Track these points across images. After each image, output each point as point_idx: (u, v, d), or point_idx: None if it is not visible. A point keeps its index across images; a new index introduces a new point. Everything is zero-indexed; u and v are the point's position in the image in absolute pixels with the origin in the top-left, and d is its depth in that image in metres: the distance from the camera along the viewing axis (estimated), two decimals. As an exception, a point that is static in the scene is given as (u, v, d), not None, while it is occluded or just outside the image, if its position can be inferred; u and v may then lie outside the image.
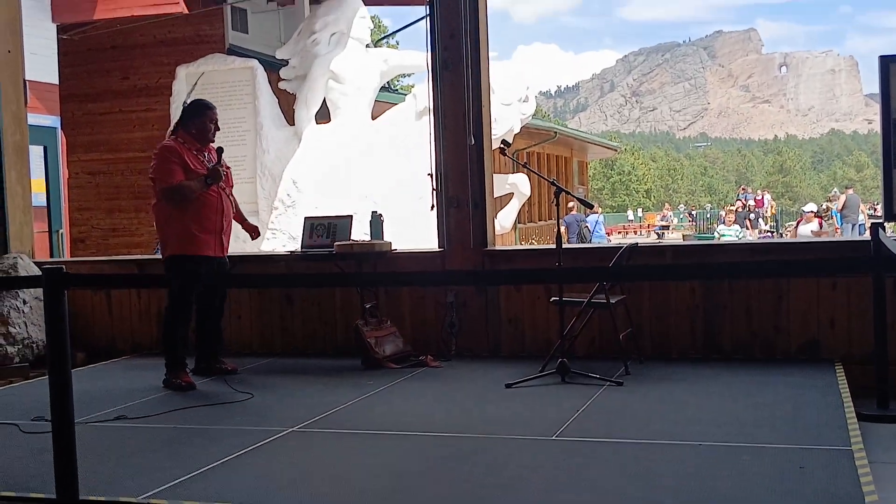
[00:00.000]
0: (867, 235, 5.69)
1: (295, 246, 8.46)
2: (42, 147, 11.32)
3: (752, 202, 30.44)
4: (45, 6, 11.83)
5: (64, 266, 3.56)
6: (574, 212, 19.87)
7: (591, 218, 20.35)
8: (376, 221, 7.13)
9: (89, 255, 13.30)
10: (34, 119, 9.65)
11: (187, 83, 11.90)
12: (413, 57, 12.34)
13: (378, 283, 6.64)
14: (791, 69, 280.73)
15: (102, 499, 3.64)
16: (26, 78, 8.06)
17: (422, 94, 10.85)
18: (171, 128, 6.28)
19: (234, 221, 6.39)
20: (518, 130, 12.72)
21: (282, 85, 12.21)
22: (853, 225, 21.45)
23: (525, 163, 7.06)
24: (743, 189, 38.75)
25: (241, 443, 4.42)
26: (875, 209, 29.09)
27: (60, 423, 3.40)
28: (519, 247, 14.18)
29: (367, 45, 12.56)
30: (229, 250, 6.24)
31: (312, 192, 11.39)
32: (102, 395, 5.70)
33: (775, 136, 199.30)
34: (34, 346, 7.17)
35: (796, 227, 20.59)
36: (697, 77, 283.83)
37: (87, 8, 12.13)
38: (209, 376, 6.14)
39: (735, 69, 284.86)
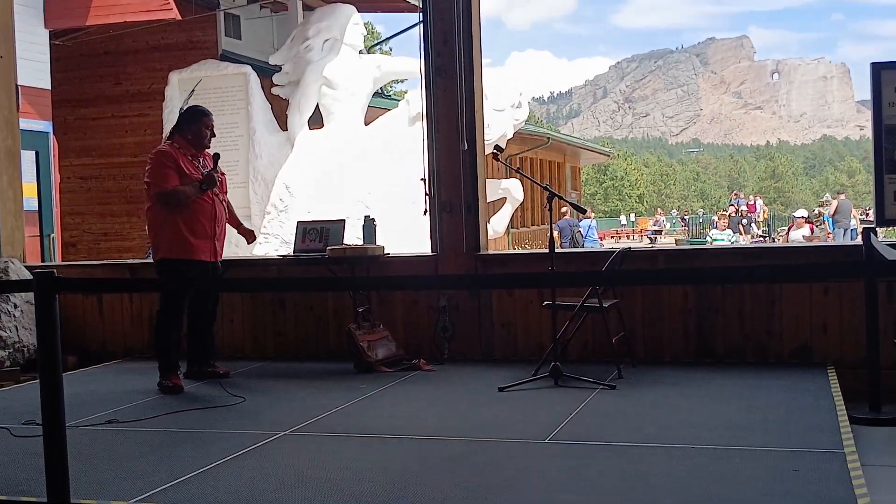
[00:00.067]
0: (859, 240, 5.71)
1: (287, 250, 8.46)
2: (34, 152, 11.30)
3: (744, 207, 30.55)
4: (38, 12, 11.81)
5: (55, 270, 3.55)
6: (567, 216, 19.88)
7: (584, 223, 20.36)
8: (369, 226, 7.13)
9: (80, 259, 13.27)
10: (26, 124, 9.63)
11: (180, 89, 11.91)
12: (406, 63, 12.38)
13: (371, 287, 6.64)
14: (783, 76, 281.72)
15: (93, 502, 3.63)
16: (18, 83, 8.05)
17: (415, 99, 10.87)
18: (168, 133, 6.28)
19: (230, 226, 6.42)
20: (511, 136, 12.77)
21: (275, 90, 12.22)
22: (845, 230, 21.53)
23: (518, 168, 7.07)
24: (735, 194, 38.89)
25: (234, 446, 4.41)
26: (867, 214, 29.20)
27: (52, 427, 3.39)
28: (512, 251, 14.20)
29: (361, 52, 12.59)
30: (223, 255, 6.25)
31: (305, 197, 11.39)
32: (94, 398, 5.68)
33: (767, 141, 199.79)
34: (25, 349, 7.15)
35: (787, 232, 20.66)
36: (690, 83, 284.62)
37: (80, 13, 12.12)
38: (201, 380, 6.13)
39: (727, 76, 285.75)
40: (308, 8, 14.96)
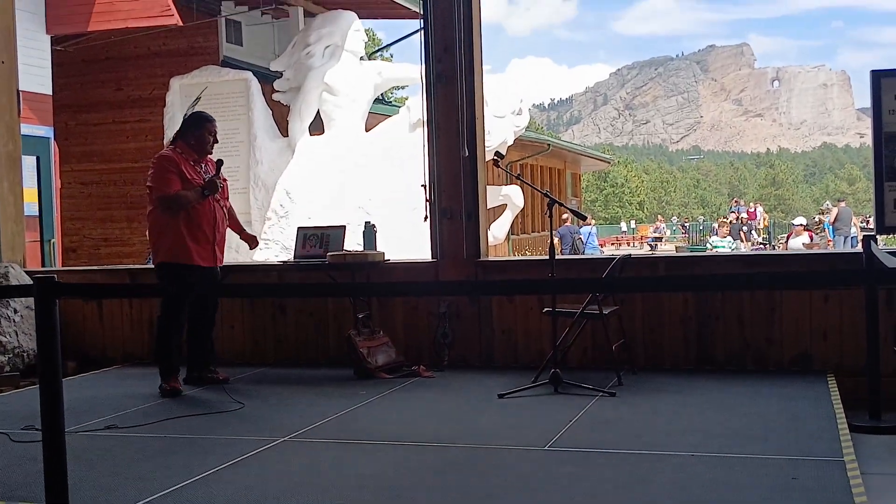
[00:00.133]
0: (859, 248, 5.71)
1: (288, 256, 8.46)
2: (35, 157, 11.32)
3: (744, 215, 30.57)
4: (40, 17, 11.84)
5: (55, 275, 3.55)
6: (568, 223, 19.89)
7: (584, 229, 20.37)
8: (369, 232, 7.13)
9: (81, 264, 13.28)
10: (27, 129, 9.65)
11: (181, 95, 11.93)
12: (407, 69, 12.39)
13: (371, 293, 6.64)
14: (783, 83, 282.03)
15: (93, 508, 3.62)
16: (20, 88, 8.07)
17: (415, 106, 10.88)
18: (171, 138, 6.33)
19: (233, 232, 6.48)
20: (511, 142, 12.77)
21: (276, 97, 12.24)
22: (845, 237, 21.54)
23: (518, 174, 7.07)
24: (735, 201, 38.88)
25: (233, 452, 4.40)
26: (867, 222, 29.19)
27: (51, 433, 3.38)
28: (512, 258, 14.19)
29: (362, 58, 12.60)
30: (223, 261, 6.27)
31: (305, 203, 11.40)
32: (93, 404, 5.68)
33: (768, 149, 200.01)
34: (25, 355, 7.14)
35: (787, 240, 20.66)
36: (690, 91, 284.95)
37: (82, 19, 12.14)
38: (201, 386, 6.13)
39: (728, 83, 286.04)
40: (309, 14, 14.99)
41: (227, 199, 6.34)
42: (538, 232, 25.20)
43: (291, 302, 7.10)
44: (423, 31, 6.91)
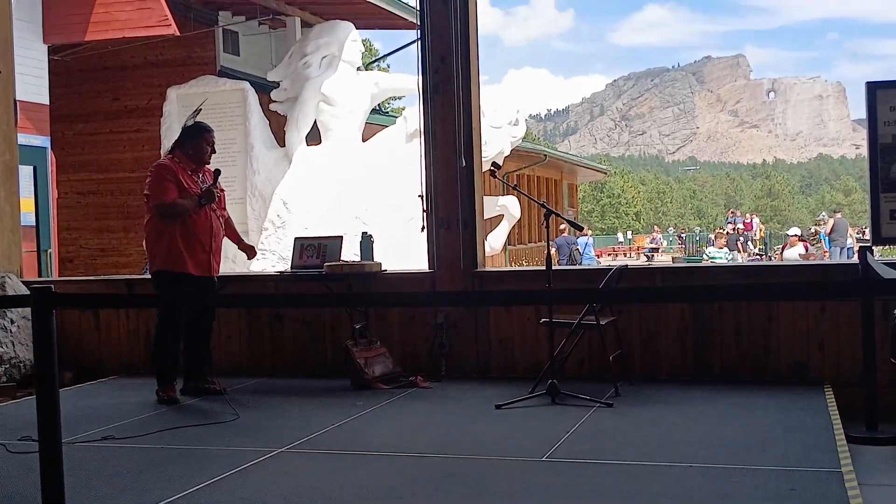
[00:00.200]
0: (855, 259, 5.72)
1: (285, 266, 8.46)
2: (32, 167, 11.32)
3: (740, 225, 30.62)
4: (37, 27, 11.86)
5: (52, 286, 3.55)
6: (565, 234, 19.91)
7: (581, 240, 20.40)
8: (366, 242, 7.13)
9: (77, 274, 13.26)
10: (24, 139, 9.65)
11: (178, 105, 11.94)
12: (404, 80, 12.41)
13: (368, 303, 6.64)
14: (779, 94, 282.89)
15: (89, 519, 3.61)
16: (17, 98, 8.07)
17: (412, 116, 10.89)
18: (169, 148, 6.38)
19: (231, 242, 6.53)
20: (508, 153, 12.78)
21: (273, 107, 12.25)
22: (841, 248, 21.58)
23: (515, 185, 7.09)
24: (732, 212, 38.96)
25: (230, 463, 4.39)
26: (863, 233, 29.25)
27: (48, 443, 3.38)
28: (509, 268, 14.20)
29: (359, 68, 12.62)
30: (219, 271, 6.29)
31: (302, 213, 11.40)
32: (90, 414, 5.67)
33: (764, 160, 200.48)
34: (21, 365, 7.13)
35: (782, 251, 20.67)
36: (686, 102, 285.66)
37: (79, 29, 12.15)
38: (198, 396, 6.12)
39: (724, 94, 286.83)
40: (306, 25, 15.02)
41: (225, 208, 6.37)
42: (535, 242, 25.21)
43: (288, 312, 7.10)
44: (419, 42, 6.93)
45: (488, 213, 10.83)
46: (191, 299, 6.18)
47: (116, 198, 14.31)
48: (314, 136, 12.16)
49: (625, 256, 43.41)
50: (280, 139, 12.19)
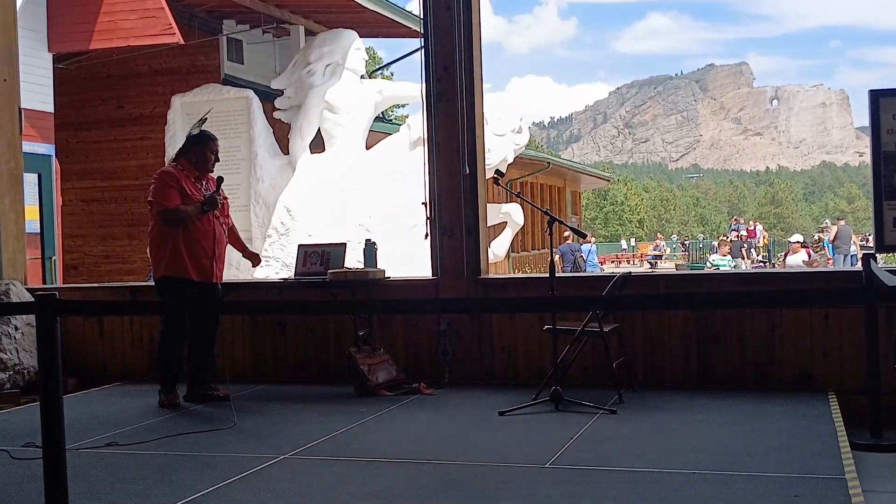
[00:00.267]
0: (859, 266, 5.72)
1: (289, 273, 8.47)
2: (36, 175, 11.34)
3: (744, 233, 30.60)
4: (42, 36, 11.90)
5: (57, 293, 3.55)
6: (569, 241, 19.88)
7: (584, 247, 20.35)
8: (370, 249, 7.14)
9: (82, 281, 13.27)
10: (29, 147, 9.67)
11: (182, 113, 11.97)
12: (407, 88, 12.44)
13: (371, 310, 6.65)
14: (782, 102, 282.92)
15: (93, 526, 3.61)
16: (22, 106, 8.09)
17: (416, 124, 10.91)
18: (174, 155, 6.42)
19: (235, 250, 6.58)
20: (511, 160, 12.80)
21: (277, 115, 12.28)
22: (845, 256, 21.56)
23: (518, 192, 7.09)
24: (735, 219, 38.93)
25: (234, 470, 4.39)
26: (867, 240, 29.21)
27: (51, 450, 3.38)
28: (512, 275, 14.20)
29: (362, 76, 12.65)
30: (223, 278, 6.32)
31: (306, 221, 11.41)
32: (94, 421, 5.68)
33: (767, 167, 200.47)
34: (25, 372, 7.14)
35: (784, 258, 20.65)
36: (689, 109, 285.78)
37: (84, 38, 12.19)
38: (201, 403, 6.13)
39: (727, 102, 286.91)
40: (310, 33, 15.06)
41: (228, 216, 6.41)
42: (538, 249, 25.22)
43: (292, 319, 7.10)
44: (423, 50, 6.95)
45: (492, 221, 10.84)
46: (194, 305, 6.21)
47: (121, 205, 14.33)
48: (318, 144, 12.19)
49: (628, 263, 43.38)
50: (284, 147, 12.21)
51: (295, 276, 6.93)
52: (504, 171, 7.14)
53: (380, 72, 26.31)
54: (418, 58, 7.01)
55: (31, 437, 4.92)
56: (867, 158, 6.29)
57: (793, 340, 6.08)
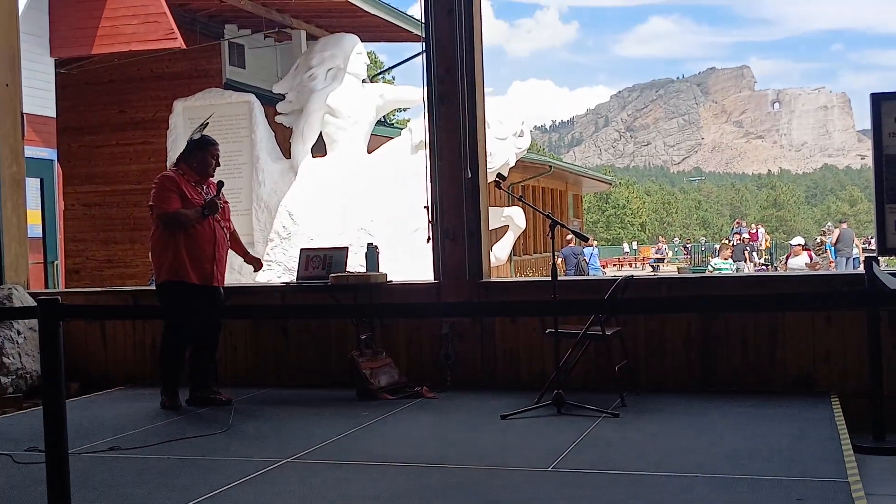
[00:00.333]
0: (861, 269, 5.72)
1: (291, 277, 8.47)
2: (38, 179, 11.36)
3: (746, 236, 30.60)
4: (44, 41, 11.93)
5: (59, 297, 3.56)
6: (572, 244, 19.89)
7: (586, 251, 20.37)
8: (372, 253, 7.15)
9: (84, 286, 13.29)
10: (31, 151, 9.69)
11: (184, 117, 12.00)
12: (409, 92, 12.45)
13: (373, 314, 6.65)
14: (784, 105, 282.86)
15: (96, 530, 3.61)
16: (24, 111, 8.11)
17: (417, 128, 10.93)
18: (175, 160, 6.44)
19: (237, 255, 6.59)
20: (513, 164, 12.81)
21: (278, 119, 12.30)
22: (847, 259, 21.55)
23: (520, 196, 7.10)
24: (738, 222, 38.91)
25: (236, 474, 4.39)
26: (869, 243, 29.20)
27: (54, 454, 3.38)
28: (514, 279, 14.21)
29: (364, 80, 12.67)
30: (224, 282, 6.34)
31: (308, 224, 11.42)
32: (96, 425, 5.68)
33: (769, 170, 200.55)
34: (28, 376, 7.14)
35: (786, 261, 20.65)
36: (691, 113, 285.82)
37: (86, 43, 12.22)
38: (203, 407, 6.14)
39: (728, 105, 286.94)
40: (311, 37, 15.08)
41: (229, 220, 6.42)
42: (540, 253, 25.20)
43: (294, 323, 7.11)
44: (424, 54, 6.95)
45: (493, 224, 10.85)
46: (196, 309, 6.22)
47: (123, 210, 14.36)
48: (320, 148, 12.20)
49: (630, 267, 43.37)
50: (286, 151, 12.23)
51: (297, 280, 6.93)
52: (506, 175, 7.14)
53: (381, 76, 26.31)
54: (420, 62, 7.02)
55: (33, 442, 4.92)
56: (869, 161, 6.29)
57: (795, 343, 6.07)
